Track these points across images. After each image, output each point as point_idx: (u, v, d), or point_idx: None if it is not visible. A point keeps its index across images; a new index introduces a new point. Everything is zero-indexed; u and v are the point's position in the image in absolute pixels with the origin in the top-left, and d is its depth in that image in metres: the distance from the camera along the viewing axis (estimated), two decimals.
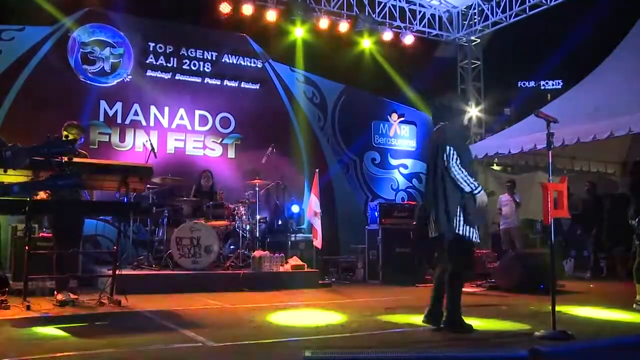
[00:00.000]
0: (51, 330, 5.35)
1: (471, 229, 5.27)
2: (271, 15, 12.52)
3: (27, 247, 6.68)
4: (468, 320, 5.37)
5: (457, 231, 5.23)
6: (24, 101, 10.37)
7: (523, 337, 5.09)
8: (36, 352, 4.38)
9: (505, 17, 13.76)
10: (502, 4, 13.67)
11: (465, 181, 5.23)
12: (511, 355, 2.72)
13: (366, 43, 13.78)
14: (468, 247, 5.43)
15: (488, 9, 14.08)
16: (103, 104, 11.19)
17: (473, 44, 15.20)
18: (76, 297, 7.14)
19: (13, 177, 6.32)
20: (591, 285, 10.24)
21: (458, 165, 5.22)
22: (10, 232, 8.84)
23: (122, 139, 11.32)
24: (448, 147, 5.27)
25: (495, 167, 15.10)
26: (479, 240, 5.43)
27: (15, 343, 4.81)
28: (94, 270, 9.13)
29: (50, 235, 8.09)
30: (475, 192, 5.28)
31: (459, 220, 5.24)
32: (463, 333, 5.22)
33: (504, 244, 12.00)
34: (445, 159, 5.26)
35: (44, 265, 7.38)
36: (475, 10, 14.48)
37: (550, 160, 5.44)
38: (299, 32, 13.03)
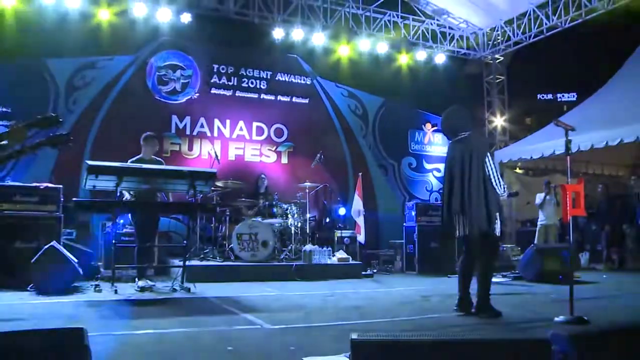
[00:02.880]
0: (133, 311, 5.55)
1: (499, 226, 5.33)
2: (318, 38, 12.62)
3: (113, 241, 6.90)
4: (496, 307, 5.36)
5: (493, 228, 5.26)
6: (111, 119, 10.74)
7: (545, 322, 5.01)
8: (123, 329, 4.55)
9: (525, 37, 13.52)
10: (523, 26, 13.44)
11: (501, 185, 5.29)
12: (535, 339, 2.72)
13: (403, 61, 13.77)
14: (498, 241, 5.49)
15: (510, 31, 13.88)
16: (174, 118, 11.45)
17: (497, 61, 14.99)
18: (153, 284, 7.33)
19: None
20: (604, 276, 10.05)
21: (497, 172, 5.30)
22: (101, 228, 9.17)
23: (190, 148, 11.55)
24: (488, 155, 5.34)
25: (518, 170, 14.90)
26: (500, 235, 5.53)
27: (106, 321, 5.00)
28: (167, 261, 9.35)
29: (132, 230, 8.34)
30: (504, 195, 5.35)
31: (495, 219, 5.27)
32: (492, 318, 5.21)
33: (538, 239, 11.70)
34: (487, 166, 5.28)
35: (127, 256, 7.64)
36: (498, 32, 14.30)
37: (568, 164, 5.40)
38: (343, 52, 13.08)
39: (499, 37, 14.35)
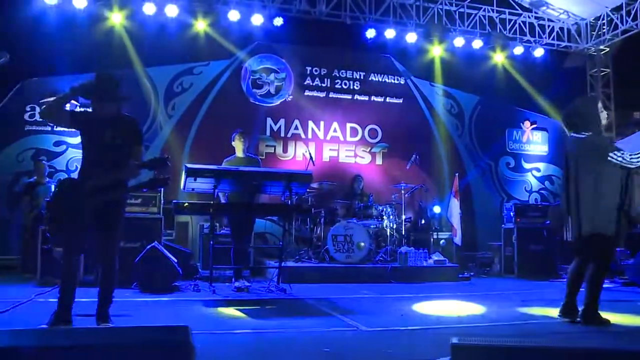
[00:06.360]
0: (231, 311, 5.66)
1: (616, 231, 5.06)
2: (411, 37, 12.49)
3: (211, 242, 7.10)
4: (603, 315, 5.05)
5: (608, 232, 5.00)
6: (208, 122, 11.12)
7: None
8: (221, 329, 4.69)
9: (636, 25, 12.70)
10: (633, 12, 12.65)
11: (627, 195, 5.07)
12: None
13: (499, 57, 13.32)
14: (613, 248, 5.23)
15: (617, 18, 13.06)
16: (269, 121, 11.69)
17: (602, 52, 14.20)
18: (249, 284, 7.45)
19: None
20: None
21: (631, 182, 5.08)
22: (198, 229, 9.51)
23: (285, 150, 11.77)
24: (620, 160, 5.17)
25: None
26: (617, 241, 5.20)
27: (205, 320, 5.15)
28: (263, 262, 9.54)
29: (228, 232, 8.59)
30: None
31: (612, 224, 5.01)
32: (599, 326, 4.94)
33: None
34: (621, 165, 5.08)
35: (224, 257, 7.85)
36: (604, 21, 13.49)
37: None
38: (436, 51, 12.87)
39: (604, 27, 13.56)
